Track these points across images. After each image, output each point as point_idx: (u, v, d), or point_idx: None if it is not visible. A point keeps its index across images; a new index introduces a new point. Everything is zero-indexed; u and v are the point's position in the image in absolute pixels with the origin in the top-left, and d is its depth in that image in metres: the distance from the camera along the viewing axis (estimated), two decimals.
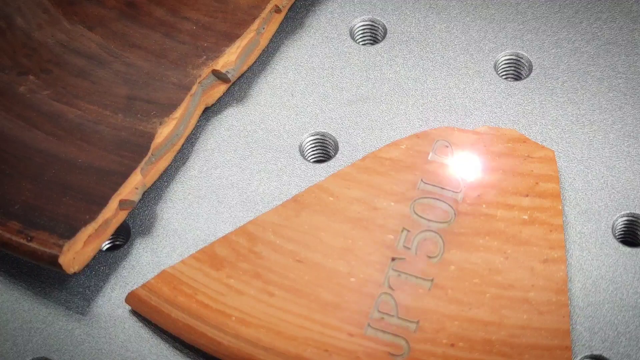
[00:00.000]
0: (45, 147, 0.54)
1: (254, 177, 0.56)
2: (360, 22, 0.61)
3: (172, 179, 0.56)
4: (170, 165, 0.56)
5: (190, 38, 0.58)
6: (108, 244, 0.55)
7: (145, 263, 0.53)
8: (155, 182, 0.55)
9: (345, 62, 0.59)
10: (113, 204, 0.52)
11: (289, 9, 0.61)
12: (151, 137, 0.54)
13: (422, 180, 0.53)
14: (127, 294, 0.52)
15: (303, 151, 0.57)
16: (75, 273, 0.51)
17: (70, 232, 0.50)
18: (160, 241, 0.54)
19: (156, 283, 0.51)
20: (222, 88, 0.57)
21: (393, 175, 0.53)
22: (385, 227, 0.52)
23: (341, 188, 0.53)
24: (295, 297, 0.50)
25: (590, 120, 0.57)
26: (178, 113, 0.55)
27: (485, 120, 0.57)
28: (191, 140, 0.57)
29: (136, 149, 0.53)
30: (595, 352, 0.50)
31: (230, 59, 0.57)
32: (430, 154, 0.54)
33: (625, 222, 0.54)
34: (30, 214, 0.51)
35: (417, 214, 0.52)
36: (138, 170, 0.53)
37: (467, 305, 0.49)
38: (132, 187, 0.52)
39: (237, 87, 0.59)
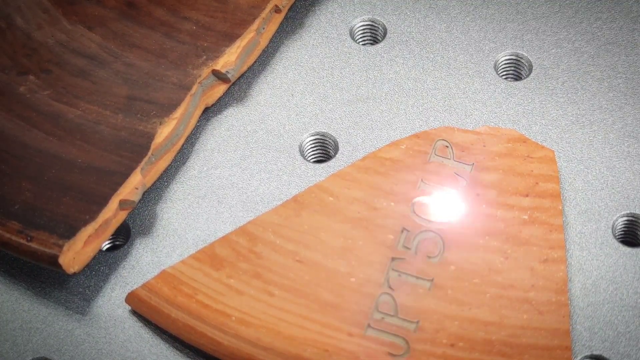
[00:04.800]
0: (45, 147, 0.54)
1: (254, 177, 0.56)
2: (360, 22, 0.61)
3: (172, 179, 0.56)
4: (170, 165, 0.56)
5: (190, 38, 0.58)
6: (108, 244, 0.55)
7: (145, 263, 0.53)
8: (155, 182, 0.55)
9: (345, 62, 0.59)
10: (113, 204, 0.52)
11: (289, 9, 0.61)
12: (151, 137, 0.54)
13: (422, 180, 0.53)
14: (127, 294, 0.52)
15: (303, 151, 0.57)
16: (75, 273, 0.51)
17: (70, 232, 0.50)
18: (160, 241, 0.54)
19: (156, 283, 0.51)
20: (222, 88, 0.57)
21: (393, 175, 0.53)
22: (385, 227, 0.52)
23: (341, 188, 0.53)
24: (295, 297, 0.50)
25: (590, 120, 0.57)
26: (178, 113, 0.55)
27: (485, 120, 0.57)
28: (191, 140, 0.57)
29: (136, 149, 0.53)
30: (595, 352, 0.50)
31: (230, 59, 0.57)
32: (430, 154, 0.54)
33: (625, 222, 0.54)
34: (30, 214, 0.51)
35: (417, 214, 0.52)
36: (138, 170, 0.53)
37: (467, 305, 0.49)
38: (132, 187, 0.52)
39: (237, 87, 0.59)
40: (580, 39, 0.59)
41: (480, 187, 0.53)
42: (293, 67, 0.59)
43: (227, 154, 0.56)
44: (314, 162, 0.57)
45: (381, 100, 0.58)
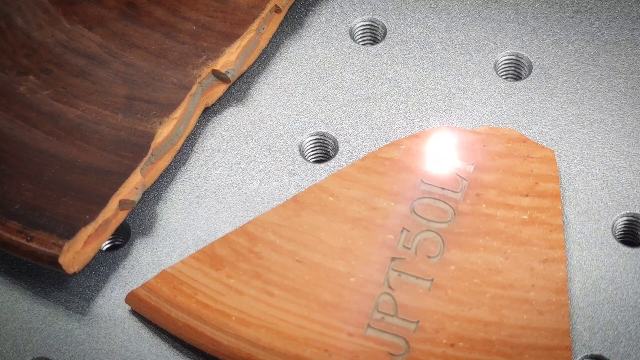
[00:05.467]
0: (45, 147, 0.54)
1: (254, 177, 0.56)
2: (360, 22, 0.61)
3: (172, 179, 0.56)
4: (170, 165, 0.56)
5: (190, 38, 0.58)
6: (108, 244, 0.55)
7: (145, 263, 0.53)
8: (155, 182, 0.55)
9: (345, 62, 0.59)
10: (113, 204, 0.52)
11: (289, 9, 0.61)
12: (151, 137, 0.54)
13: (422, 180, 0.53)
14: (127, 294, 0.52)
15: (303, 151, 0.57)
16: (75, 273, 0.51)
17: (70, 232, 0.50)
18: (160, 241, 0.54)
19: (156, 283, 0.51)
20: (222, 88, 0.57)
21: (393, 175, 0.53)
22: (385, 227, 0.52)
23: (341, 188, 0.53)
24: (295, 297, 0.50)
25: (590, 120, 0.57)
26: (178, 113, 0.55)
27: (485, 120, 0.57)
28: (191, 140, 0.57)
29: (136, 149, 0.53)
30: (595, 352, 0.50)
31: (230, 59, 0.57)
32: (430, 154, 0.54)
33: (625, 222, 0.54)
34: (30, 214, 0.51)
35: (417, 214, 0.52)
36: (138, 170, 0.53)
37: (467, 305, 0.49)
38: (132, 187, 0.52)
39: (237, 87, 0.59)
40: (580, 39, 0.59)
41: (480, 187, 0.53)
42: (293, 67, 0.59)
43: (227, 154, 0.56)
44: (314, 162, 0.57)
45: (381, 100, 0.58)
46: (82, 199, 0.52)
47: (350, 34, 0.60)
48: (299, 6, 0.61)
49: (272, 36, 0.60)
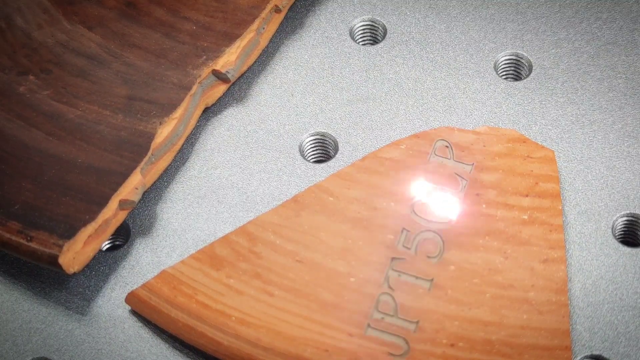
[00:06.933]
0: (45, 147, 0.54)
1: (254, 177, 0.56)
2: (360, 22, 0.61)
3: (172, 179, 0.56)
4: (170, 165, 0.56)
5: (190, 38, 0.58)
6: (108, 244, 0.55)
7: (145, 263, 0.53)
8: (155, 182, 0.55)
9: (345, 62, 0.59)
10: (113, 204, 0.52)
11: (289, 9, 0.61)
12: (151, 137, 0.54)
13: (421, 180, 0.53)
14: (127, 294, 0.52)
15: (303, 151, 0.57)
16: (75, 273, 0.51)
17: (70, 232, 0.50)
18: (160, 241, 0.54)
19: (156, 283, 0.51)
20: (222, 88, 0.57)
21: (393, 175, 0.53)
22: (385, 227, 0.52)
23: (341, 188, 0.53)
24: (295, 297, 0.50)
25: (590, 120, 0.57)
26: (178, 113, 0.55)
27: (485, 120, 0.57)
28: (191, 140, 0.57)
29: (136, 149, 0.53)
30: (595, 352, 0.50)
31: (230, 59, 0.57)
32: (430, 154, 0.54)
33: (625, 222, 0.54)
34: (30, 214, 0.51)
35: (417, 214, 0.52)
36: (138, 170, 0.53)
37: (467, 305, 0.49)
38: (132, 187, 0.52)
39: (237, 87, 0.59)
40: (580, 39, 0.59)
41: (480, 187, 0.53)
42: (293, 67, 0.59)
43: (227, 154, 0.56)
44: (314, 162, 0.57)
45: (381, 100, 0.58)
46: (82, 199, 0.52)
47: (350, 34, 0.60)
48: (299, 6, 0.61)
49: (272, 36, 0.60)
